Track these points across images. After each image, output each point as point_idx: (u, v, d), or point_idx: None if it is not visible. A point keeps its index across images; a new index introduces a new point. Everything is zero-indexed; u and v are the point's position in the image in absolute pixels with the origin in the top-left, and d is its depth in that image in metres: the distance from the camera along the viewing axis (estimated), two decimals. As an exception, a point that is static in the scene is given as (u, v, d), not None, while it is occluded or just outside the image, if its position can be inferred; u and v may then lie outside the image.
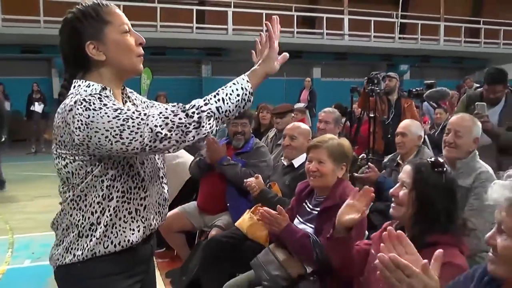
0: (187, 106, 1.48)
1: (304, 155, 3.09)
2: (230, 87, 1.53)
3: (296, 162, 3.34)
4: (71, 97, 1.51)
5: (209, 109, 1.48)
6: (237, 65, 16.44)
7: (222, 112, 1.50)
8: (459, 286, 1.45)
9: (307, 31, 17.24)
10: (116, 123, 1.44)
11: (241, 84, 1.53)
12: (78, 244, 1.58)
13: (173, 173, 3.85)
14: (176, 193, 4.24)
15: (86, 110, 1.45)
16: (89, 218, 1.57)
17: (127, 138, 1.44)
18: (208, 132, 1.49)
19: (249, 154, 3.80)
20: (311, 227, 2.54)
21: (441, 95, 4.75)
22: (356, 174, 3.54)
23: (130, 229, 1.61)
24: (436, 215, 1.82)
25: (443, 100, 5.44)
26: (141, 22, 13.50)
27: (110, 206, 1.57)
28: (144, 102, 1.82)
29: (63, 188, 1.61)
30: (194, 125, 1.45)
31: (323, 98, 12.94)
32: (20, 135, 13.66)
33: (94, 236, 1.57)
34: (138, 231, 1.63)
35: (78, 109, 1.45)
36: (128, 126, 1.43)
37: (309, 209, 2.64)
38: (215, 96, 1.51)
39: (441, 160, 1.92)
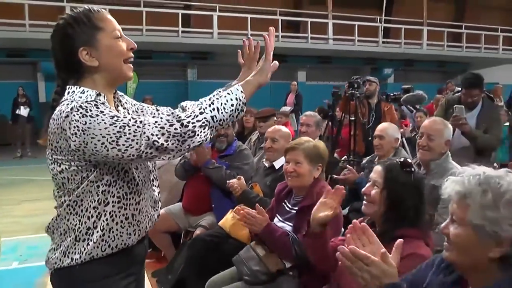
0: (182, 115, 1.50)
1: (284, 157, 3.21)
2: (225, 96, 1.56)
3: (277, 164, 3.47)
4: (67, 104, 1.53)
5: (204, 118, 1.51)
6: (222, 68, 16.59)
7: (217, 121, 1.54)
8: (421, 273, 1.59)
9: (292, 35, 17.39)
10: (113, 130, 1.47)
11: (236, 95, 1.57)
12: (75, 248, 1.62)
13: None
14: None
15: (83, 116, 1.47)
16: (85, 222, 1.60)
17: (123, 145, 1.47)
18: (202, 141, 1.53)
19: (233, 157, 3.91)
20: (290, 225, 2.67)
21: (417, 99, 4.92)
22: (335, 176, 3.69)
23: (127, 233, 1.65)
24: (405, 211, 1.96)
25: (418, 103, 5.60)
26: (127, 26, 13.49)
27: (106, 211, 1.61)
28: (134, 105, 1.86)
29: (58, 192, 1.64)
30: (189, 135, 1.49)
31: (308, 101, 13.08)
32: (5, 139, 13.63)
33: (91, 240, 1.61)
34: (134, 234, 1.68)
35: (74, 115, 1.47)
36: (124, 133, 1.47)
37: (288, 208, 2.78)
38: (210, 105, 1.54)
39: (409, 160, 2.07)
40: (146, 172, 1.74)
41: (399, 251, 1.43)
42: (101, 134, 1.46)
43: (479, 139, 3.82)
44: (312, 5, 18.02)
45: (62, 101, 1.58)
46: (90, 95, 1.58)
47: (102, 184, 1.59)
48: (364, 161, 4.03)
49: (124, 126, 1.47)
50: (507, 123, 6.20)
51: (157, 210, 1.83)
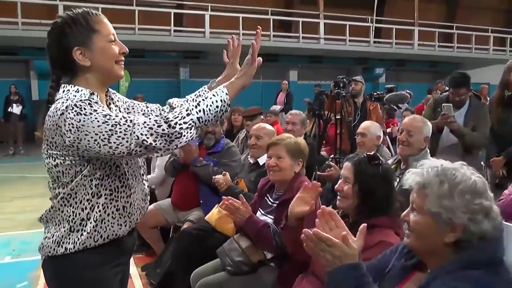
0: (170, 116, 1.59)
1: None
2: (211, 98, 1.65)
3: (261, 160, 3.58)
4: (62, 102, 1.61)
5: (191, 119, 1.60)
6: (214, 67, 16.51)
7: (202, 121, 1.63)
8: (385, 258, 1.71)
9: (283, 34, 17.50)
10: (105, 128, 1.55)
11: (221, 96, 1.66)
12: (69, 238, 1.70)
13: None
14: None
15: (77, 114, 1.55)
16: (79, 214, 1.69)
17: (114, 142, 1.55)
18: (188, 140, 1.62)
19: (221, 154, 4.03)
20: (271, 218, 2.78)
21: (400, 99, 5.05)
22: (319, 173, 3.81)
23: (118, 224, 1.75)
24: (377, 202, 2.09)
25: (401, 103, 5.73)
26: (120, 24, 13.57)
27: (99, 203, 1.70)
28: (125, 102, 1.96)
29: (53, 185, 1.73)
30: (176, 135, 1.58)
31: (299, 100, 13.18)
32: (-2, 137, 13.66)
33: (85, 231, 1.69)
34: (125, 225, 1.78)
35: (69, 113, 1.55)
36: (115, 131, 1.55)
37: (270, 202, 2.89)
38: (196, 107, 1.62)
39: (373, 153, 2.19)
40: (136, 167, 1.84)
41: (363, 236, 1.54)
42: (94, 132, 1.55)
43: (467, 137, 3.89)
44: (304, 4, 18.14)
45: (57, 99, 1.66)
46: (84, 94, 1.65)
47: (95, 178, 1.68)
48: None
49: (116, 125, 1.56)
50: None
51: (147, 203, 1.94)
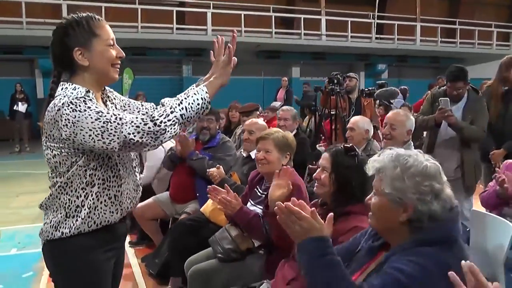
0: (156, 115, 1.73)
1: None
2: (192, 96, 1.79)
3: (254, 154, 3.68)
4: (60, 99, 1.76)
5: (175, 116, 1.74)
6: (216, 65, 16.80)
7: (185, 118, 1.77)
8: (356, 240, 1.87)
9: (285, 31, 17.59)
10: (98, 124, 1.69)
11: (201, 95, 1.80)
12: (65, 223, 1.85)
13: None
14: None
15: (73, 111, 1.70)
16: (74, 201, 1.83)
17: (107, 138, 1.70)
18: (172, 135, 1.77)
19: (216, 149, 4.18)
20: (260, 208, 2.93)
21: (389, 94, 5.17)
22: (310, 166, 3.95)
23: (110, 211, 1.90)
24: (352, 190, 2.23)
25: (391, 98, 5.85)
26: (122, 23, 13.74)
27: (93, 192, 1.84)
28: (122, 100, 2.11)
29: (51, 174, 1.88)
30: (161, 132, 1.72)
31: (301, 97, 13.31)
32: (3, 135, 13.86)
33: (80, 217, 1.83)
34: (116, 213, 1.93)
35: (65, 109, 1.70)
36: (107, 128, 1.69)
37: (259, 193, 3.05)
38: (179, 105, 1.76)
39: (351, 145, 2.34)
40: (128, 159, 1.99)
41: (331, 224, 1.68)
42: (88, 127, 1.69)
43: (465, 130, 3.91)
44: (305, 1, 18.20)
45: (56, 96, 1.81)
46: (80, 91, 1.79)
47: (89, 168, 1.82)
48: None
49: (107, 122, 1.70)
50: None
51: (138, 193, 2.08)
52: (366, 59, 19.25)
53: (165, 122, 1.73)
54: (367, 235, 1.82)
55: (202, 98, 1.81)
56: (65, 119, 1.71)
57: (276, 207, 1.60)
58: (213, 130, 4.24)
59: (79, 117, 1.70)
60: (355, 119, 4.07)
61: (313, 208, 1.60)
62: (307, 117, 7.19)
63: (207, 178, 3.83)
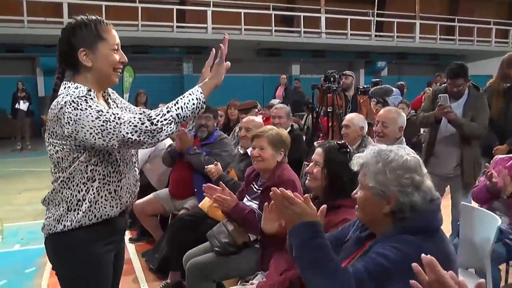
0: (153, 114, 1.81)
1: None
2: (187, 97, 1.88)
3: (250, 151, 3.81)
4: (62, 97, 1.85)
5: (171, 115, 1.83)
6: (217, 62, 16.83)
7: (181, 117, 1.86)
8: (345, 230, 1.97)
9: (285, 29, 17.65)
10: (98, 123, 1.77)
11: (196, 95, 1.89)
12: (67, 217, 1.93)
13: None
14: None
15: (74, 109, 1.78)
16: (76, 195, 1.92)
17: (106, 137, 1.78)
18: (169, 134, 1.85)
19: (213, 145, 4.27)
20: (256, 203, 3.03)
21: (384, 92, 5.24)
22: (305, 162, 4.03)
23: (110, 205, 1.99)
24: (342, 185, 2.32)
25: (386, 96, 5.92)
26: (123, 21, 13.79)
27: (93, 186, 1.92)
28: (123, 103, 2.19)
29: (54, 170, 1.97)
30: (157, 131, 1.81)
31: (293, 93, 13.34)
32: (5, 133, 13.94)
33: (81, 210, 1.92)
34: (116, 207, 2.02)
35: (67, 108, 1.79)
36: (107, 127, 1.77)
37: (255, 189, 3.14)
38: (175, 105, 1.85)
39: (343, 142, 2.43)
40: (128, 155, 2.07)
41: (323, 215, 1.77)
42: (89, 125, 1.78)
43: (465, 126, 3.92)
44: (305, -1, 18.31)
45: (59, 94, 1.90)
46: (82, 90, 1.88)
47: (90, 164, 1.91)
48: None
49: (107, 121, 1.79)
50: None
51: (137, 187, 2.17)
52: (365, 56, 19.31)
53: (161, 121, 1.82)
54: (355, 226, 1.92)
55: (197, 98, 1.89)
56: (67, 117, 1.80)
57: (271, 193, 1.69)
58: (211, 127, 4.33)
59: (80, 115, 1.79)
60: (350, 116, 4.14)
61: (306, 195, 1.70)
62: (306, 114, 7.27)
63: (205, 174, 3.92)
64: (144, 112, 1.91)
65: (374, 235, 1.77)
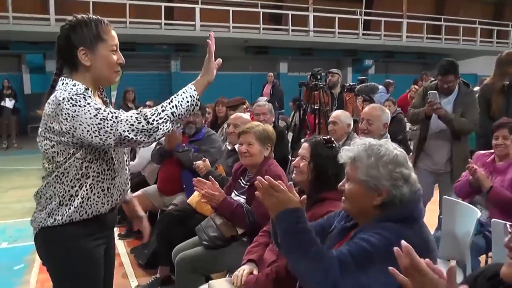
0: (148, 113, 1.84)
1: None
2: (181, 95, 1.90)
3: (238, 147, 3.86)
4: (60, 92, 1.87)
5: (166, 114, 1.85)
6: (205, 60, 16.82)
7: (176, 115, 1.88)
8: (330, 220, 2.05)
9: (273, 27, 17.71)
10: (95, 121, 1.80)
11: (189, 93, 1.91)
12: (59, 211, 1.94)
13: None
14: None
15: (72, 106, 1.81)
16: (69, 191, 1.93)
17: (103, 135, 1.80)
18: (166, 133, 1.88)
19: (201, 142, 4.32)
20: (244, 198, 3.09)
21: (370, 89, 5.32)
22: (292, 158, 4.09)
23: (102, 202, 2.02)
24: (328, 179, 2.38)
25: (372, 93, 5.99)
26: (111, 18, 13.68)
27: (87, 183, 1.94)
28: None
29: (48, 164, 1.98)
30: (154, 130, 1.84)
31: (289, 92, 13.40)
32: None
33: (73, 206, 1.93)
34: (107, 204, 2.04)
35: (66, 104, 1.81)
36: (104, 125, 1.80)
37: (243, 184, 3.20)
38: (169, 103, 1.87)
39: (329, 137, 2.50)
40: (121, 153, 2.11)
41: (305, 203, 1.81)
42: (86, 123, 1.80)
43: (455, 122, 3.98)
44: (293, -3, 18.37)
45: (57, 89, 1.92)
46: (79, 88, 1.90)
47: (85, 161, 1.93)
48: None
49: (104, 119, 1.82)
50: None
51: (127, 185, 2.22)
52: (353, 54, 19.43)
53: (157, 120, 1.85)
54: (339, 217, 1.99)
55: (191, 96, 1.93)
56: (65, 113, 1.82)
57: (256, 182, 1.74)
58: (199, 124, 4.38)
59: (78, 111, 1.82)
60: (337, 113, 4.19)
61: (290, 183, 1.76)
62: (293, 112, 7.33)
63: (194, 170, 3.96)
64: (140, 111, 1.93)
65: (358, 225, 1.84)
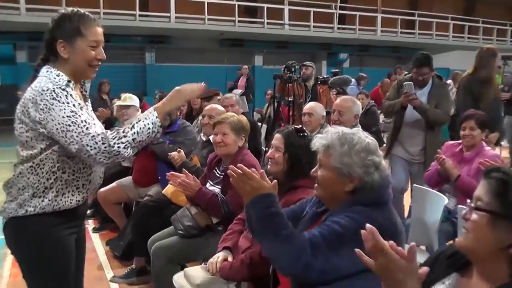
0: (110, 137, 1.87)
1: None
2: (143, 121, 1.94)
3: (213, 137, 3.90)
4: (46, 81, 1.91)
5: (127, 140, 1.89)
6: (180, 52, 16.76)
7: (137, 142, 1.92)
8: (303, 205, 2.12)
9: (249, 20, 17.65)
10: (67, 122, 1.84)
11: (151, 119, 1.96)
12: (31, 202, 1.96)
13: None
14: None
15: (52, 99, 1.85)
16: (44, 183, 1.95)
17: (68, 139, 1.85)
18: (126, 157, 1.93)
19: (176, 133, 4.34)
20: (219, 188, 3.13)
21: (343, 82, 5.42)
22: (266, 148, 4.14)
23: (76, 199, 2.05)
24: (301, 167, 2.43)
25: (345, 85, 6.11)
26: (85, 9, 13.38)
27: (63, 178, 1.97)
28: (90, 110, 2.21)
29: (22, 151, 1.99)
30: (114, 153, 1.87)
31: (264, 85, 13.43)
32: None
33: (46, 198, 1.96)
34: (82, 199, 2.08)
35: (47, 95, 1.85)
36: (72, 130, 1.84)
37: (218, 174, 3.24)
38: (131, 129, 1.92)
39: (300, 126, 2.55)
40: None
41: (276, 188, 1.86)
42: (58, 120, 1.85)
43: (429, 112, 4.11)
44: (269, -9, 18.33)
45: (40, 76, 1.95)
46: (63, 79, 1.94)
47: (62, 155, 1.96)
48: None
49: (75, 124, 1.86)
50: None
51: (102, 179, 2.24)
52: (328, 48, 19.54)
53: (118, 145, 1.88)
54: (311, 203, 2.05)
55: (152, 123, 1.97)
56: (44, 104, 1.85)
57: (229, 171, 1.79)
58: (174, 116, 4.39)
59: (55, 106, 1.85)
60: (311, 105, 4.27)
61: (262, 170, 1.80)
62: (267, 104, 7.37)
63: (169, 162, 3.98)
64: (105, 132, 1.94)
65: (328, 210, 1.90)
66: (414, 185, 3.50)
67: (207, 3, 15.66)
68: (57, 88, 1.89)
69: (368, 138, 1.84)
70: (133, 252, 3.92)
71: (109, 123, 5.72)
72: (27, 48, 14.34)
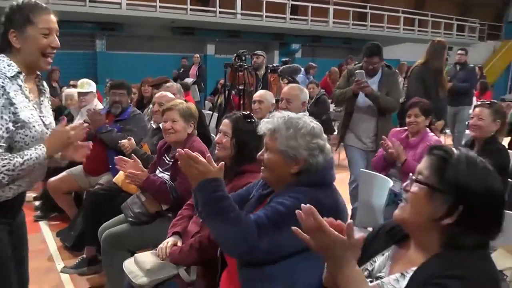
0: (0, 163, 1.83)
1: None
2: (33, 160, 1.92)
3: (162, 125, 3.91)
4: None
5: (12, 174, 1.88)
6: (131, 40, 16.46)
7: (16, 174, 1.90)
8: (250, 189, 2.19)
9: (201, 8, 17.50)
10: None
11: (40, 159, 1.94)
12: None
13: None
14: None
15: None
16: None
17: None
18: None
19: (126, 121, 4.33)
20: (168, 174, 3.16)
21: (292, 70, 5.52)
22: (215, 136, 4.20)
23: (6, 196, 1.98)
24: (249, 152, 2.48)
25: (294, 74, 6.22)
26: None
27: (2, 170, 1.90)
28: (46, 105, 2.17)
29: None
30: None
31: (216, 74, 13.40)
32: None
33: None
34: (13, 195, 2.01)
35: None
36: None
37: (167, 161, 3.27)
38: (21, 165, 1.89)
39: (248, 112, 2.62)
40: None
41: (222, 171, 1.90)
42: None
43: (380, 99, 4.28)
44: (222, -21, 18.21)
45: None
46: (13, 69, 1.94)
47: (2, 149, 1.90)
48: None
49: None
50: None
51: (42, 175, 2.22)
52: (280, 38, 19.63)
53: (4, 173, 1.86)
54: (258, 186, 2.13)
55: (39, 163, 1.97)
56: None
57: (177, 154, 1.82)
58: (125, 104, 4.38)
59: None
60: (260, 93, 4.31)
61: (208, 154, 1.85)
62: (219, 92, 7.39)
63: (119, 150, 3.97)
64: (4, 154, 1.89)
65: (274, 192, 1.98)
66: (361, 169, 3.64)
67: (159, -10, 15.41)
68: (4, 79, 1.89)
69: (313, 123, 1.93)
70: (84, 243, 3.89)
71: (58, 112, 5.61)
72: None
